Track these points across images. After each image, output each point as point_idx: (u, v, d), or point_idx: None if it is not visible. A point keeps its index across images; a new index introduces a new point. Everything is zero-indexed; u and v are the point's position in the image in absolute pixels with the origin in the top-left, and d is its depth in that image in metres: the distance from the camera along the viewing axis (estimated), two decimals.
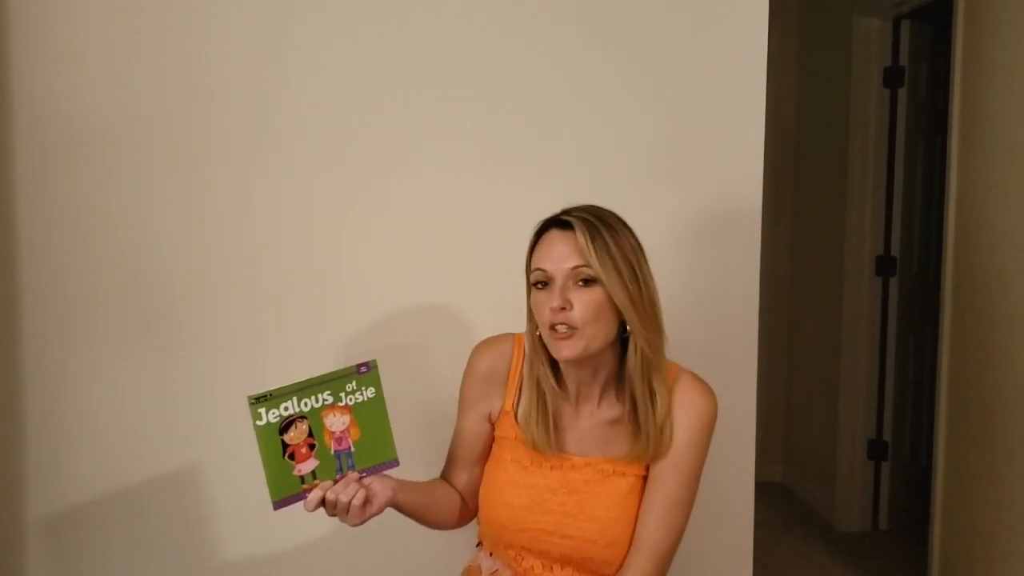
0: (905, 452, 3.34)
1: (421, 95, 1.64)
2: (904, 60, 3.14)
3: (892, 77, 3.16)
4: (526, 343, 1.29)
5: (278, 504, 1.16)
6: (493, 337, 1.36)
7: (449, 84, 1.64)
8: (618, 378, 1.26)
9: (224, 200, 1.64)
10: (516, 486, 1.27)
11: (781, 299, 3.84)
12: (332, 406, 1.18)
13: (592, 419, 1.28)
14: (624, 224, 1.22)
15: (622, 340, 1.24)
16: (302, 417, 1.17)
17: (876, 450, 3.30)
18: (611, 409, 1.27)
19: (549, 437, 1.26)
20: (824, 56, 3.54)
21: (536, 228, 1.24)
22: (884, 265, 3.24)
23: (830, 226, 3.43)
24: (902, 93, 3.15)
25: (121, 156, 1.62)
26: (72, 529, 1.67)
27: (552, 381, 1.26)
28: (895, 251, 3.23)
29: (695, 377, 1.27)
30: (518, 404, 1.30)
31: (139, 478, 1.66)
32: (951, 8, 2.53)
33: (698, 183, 1.67)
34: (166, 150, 1.62)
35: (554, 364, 1.27)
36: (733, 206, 1.67)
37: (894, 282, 3.23)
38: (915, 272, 3.30)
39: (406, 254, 1.66)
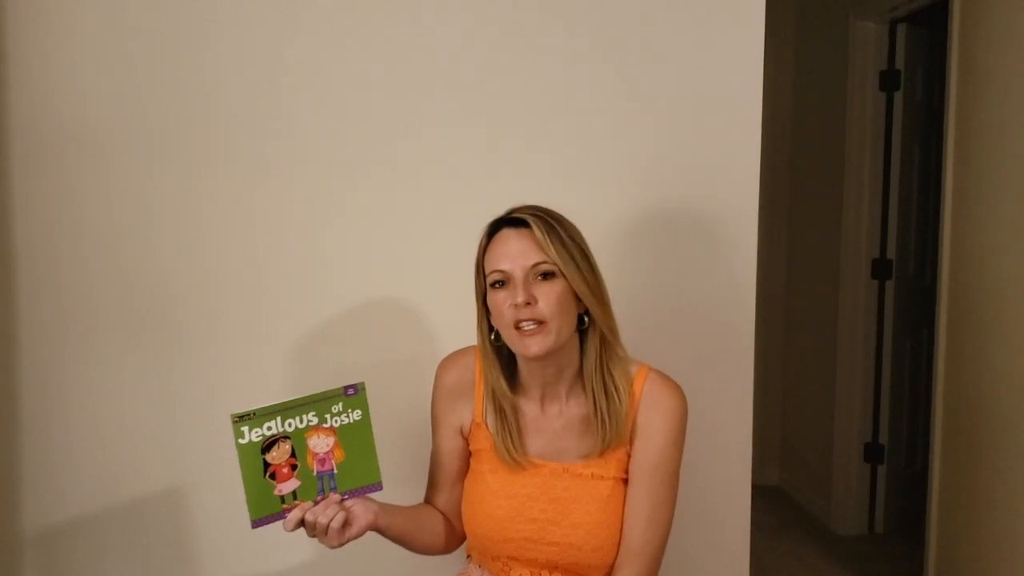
0: (901, 455, 3.34)
1: (420, 98, 1.63)
2: (900, 63, 3.15)
3: (888, 80, 3.16)
4: (479, 350, 1.29)
5: (257, 523, 1.16)
6: (455, 352, 1.37)
7: (446, 87, 1.63)
8: (582, 374, 1.27)
9: (222, 203, 1.63)
10: (497, 497, 1.27)
11: (777, 302, 3.85)
12: (317, 427, 1.18)
13: (561, 418, 1.28)
14: (566, 218, 1.25)
15: (580, 333, 1.26)
16: (285, 437, 1.16)
17: (872, 453, 3.30)
18: (579, 407, 1.27)
19: (513, 444, 1.26)
20: (820, 59, 3.55)
21: (486, 230, 1.25)
22: (880, 268, 3.24)
23: (826, 229, 3.43)
24: (898, 96, 3.16)
25: (118, 158, 1.61)
26: (67, 537, 1.66)
27: (505, 387, 1.27)
28: (891, 254, 3.23)
29: (663, 377, 1.28)
30: (486, 414, 1.30)
31: (135, 486, 1.65)
32: (947, 12, 2.53)
33: (694, 186, 1.67)
34: (163, 152, 1.61)
35: (508, 369, 1.28)
36: (729, 209, 1.67)
37: (890, 285, 3.24)
38: (911, 275, 3.30)
39: (408, 264, 1.66)
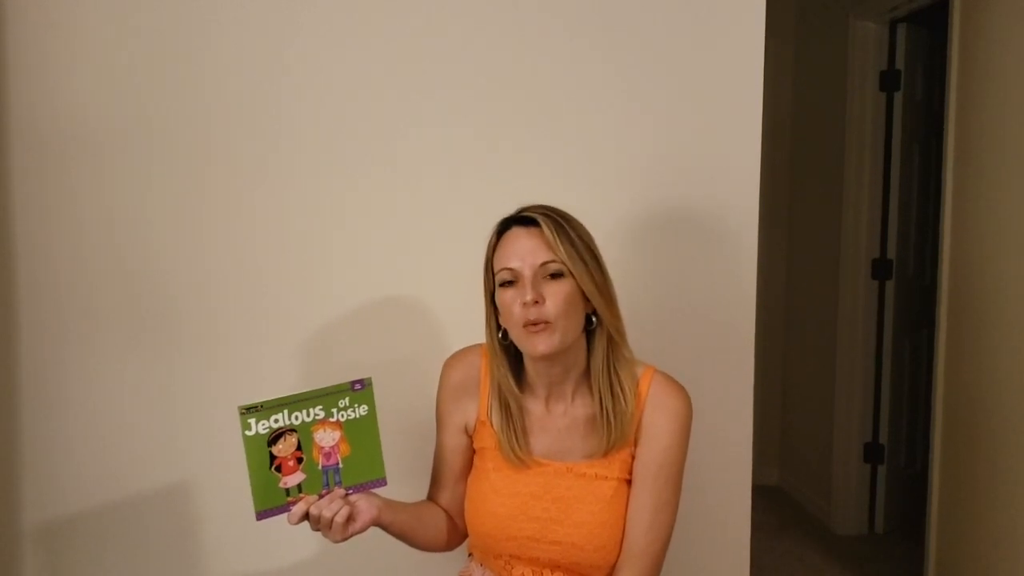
0: (901, 455, 3.34)
1: (420, 98, 1.63)
2: (900, 63, 3.15)
3: (888, 80, 3.17)
4: (487, 347, 1.30)
5: (261, 515, 1.17)
6: (461, 349, 1.37)
7: (447, 87, 1.63)
8: (588, 374, 1.27)
9: (222, 203, 1.63)
10: (500, 495, 1.27)
11: (777, 302, 3.85)
12: (323, 421, 1.18)
13: (566, 418, 1.28)
14: (575, 218, 1.25)
15: (587, 334, 1.26)
16: (292, 430, 1.17)
17: (872, 453, 3.30)
18: (585, 407, 1.27)
19: (518, 442, 1.26)
20: (820, 59, 3.55)
21: (496, 228, 1.25)
22: (880, 268, 3.24)
23: (826, 229, 3.43)
24: (898, 96, 3.16)
25: (118, 157, 1.61)
26: (67, 535, 1.66)
27: (513, 384, 1.27)
28: (891, 254, 3.23)
29: (668, 378, 1.28)
30: (491, 412, 1.31)
31: (136, 485, 1.65)
32: (947, 12, 2.53)
33: (694, 186, 1.67)
34: (163, 151, 1.61)
35: (515, 368, 1.29)
36: (729, 209, 1.67)
37: (890, 285, 3.24)
38: (911, 275, 3.30)
39: (409, 263, 1.66)
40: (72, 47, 1.59)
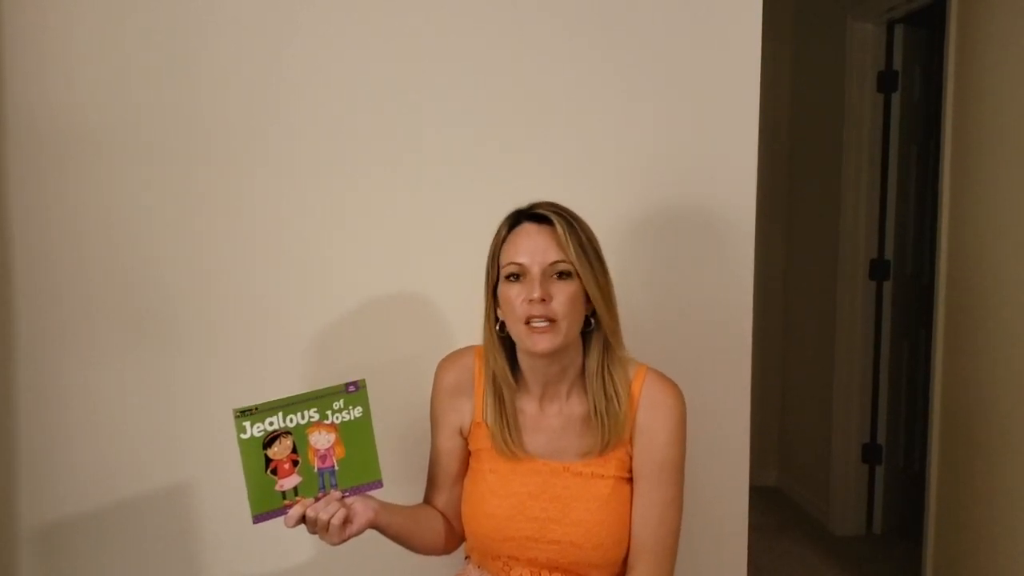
0: (899, 456, 3.34)
1: (420, 98, 1.63)
2: (898, 64, 3.15)
3: (886, 81, 3.17)
4: (484, 339, 1.29)
5: (258, 518, 1.17)
6: (454, 352, 1.37)
7: (446, 86, 1.63)
8: (583, 375, 1.28)
9: (221, 203, 1.63)
10: (497, 496, 1.27)
11: (775, 303, 3.85)
12: (318, 423, 1.18)
13: (561, 417, 1.28)
14: (582, 219, 1.26)
15: (584, 335, 1.27)
16: (287, 433, 1.17)
17: (870, 454, 3.30)
18: (579, 406, 1.27)
19: (511, 434, 1.26)
20: (818, 60, 3.56)
21: (507, 221, 1.25)
22: (878, 269, 3.25)
23: (824, 230, 3.44)
24: (896, 97, 3.17)
25: (116, 158, 1.61)
26: (66, 538, 1.65)
27: (509, 376, 1.27)
28: (889, 255, 3.24)
29: (660, 376, 1.29)
30: (486, 411, 1.30)
31: (135, 486, 1.65)
32: (944, 12, 2.54)
33: (692, 187, 1.67)
34: (162, 151, 1.61)
35: (511, 362, 1.28)
36: (727, 210, 1.67)
37: (888, 286, 3.24)
38: (909, 275, 3.31)
39: (409, 263, 1.65)
40: (70, 48, 1.58)
